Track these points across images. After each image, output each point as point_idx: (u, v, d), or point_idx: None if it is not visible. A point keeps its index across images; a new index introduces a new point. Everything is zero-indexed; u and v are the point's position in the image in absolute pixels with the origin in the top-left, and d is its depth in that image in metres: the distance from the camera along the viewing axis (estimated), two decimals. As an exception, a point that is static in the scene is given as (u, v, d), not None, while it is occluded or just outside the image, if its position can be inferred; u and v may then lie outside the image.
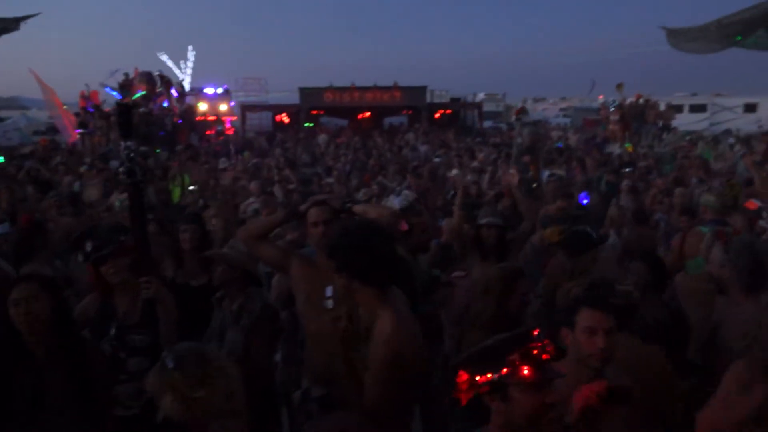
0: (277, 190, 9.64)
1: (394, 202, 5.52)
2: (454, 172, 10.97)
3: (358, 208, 3.34)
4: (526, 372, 1.72)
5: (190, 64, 39.29)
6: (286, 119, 34.42)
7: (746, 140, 17.51)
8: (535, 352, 1.76)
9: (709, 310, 3.59)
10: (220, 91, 32.48)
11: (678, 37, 15.84)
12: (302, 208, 3.37)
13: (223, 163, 13.68)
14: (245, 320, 3.70)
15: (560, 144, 18.03)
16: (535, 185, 8.55)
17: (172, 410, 1.99)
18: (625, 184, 8.62)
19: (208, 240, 4.91)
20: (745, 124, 28.34)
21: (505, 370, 1.74)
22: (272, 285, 4.82)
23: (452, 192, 8.65)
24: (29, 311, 2.85)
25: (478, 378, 1.77)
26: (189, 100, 28.90)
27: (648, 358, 2.74)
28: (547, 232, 5.10)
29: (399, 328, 2.46)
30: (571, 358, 2.40)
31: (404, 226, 4.50)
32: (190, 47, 39.97)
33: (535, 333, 1.80)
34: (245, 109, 34.15)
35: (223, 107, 31.79)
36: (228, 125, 30.39)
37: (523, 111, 13.89)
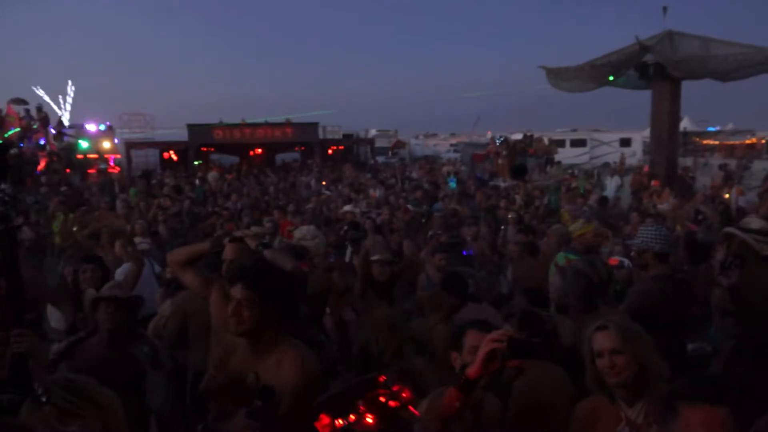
0: (162, 230, 9.31)
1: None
2: (347, 207, 11.01)
3: (268, 254, 3.46)
4: (369, 420, 1.73)
5: (69, 99, 37.45)
6: (174, 156, 33.40)
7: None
8: (382, 399, 1.76)
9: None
10: (102, 127, 31.00)
11: (556, 77, 16.96)
12: (226, 241, 3.49)
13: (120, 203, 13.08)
14: (165, 362, 3.55)
15: (453, 179, 18.59)
16: (424, 220, 8.75)
17: None
18: (511, 216, 8.98)
19: (109, 280, 4.68)
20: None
21: (352, 417, 1.75)
22: (156, 325, 4.60)
23: (345, 227, 8.68)
24: None
25: (337, 423, 1.76)
26: (68, 137, 27.42)
27: (556, 379, 2.83)
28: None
29: (307, 356, 2.58)
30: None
31: (305, 266, 4.52)
32: (69, 82, 38.17)
33: (382, 380, 1.79)
34: (130, 146, 32.81)
35: (106, 144, 30.30)
36: (111, 163, 29.01)
37: (398, 145, 14.21)
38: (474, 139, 42.53)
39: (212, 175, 21.85)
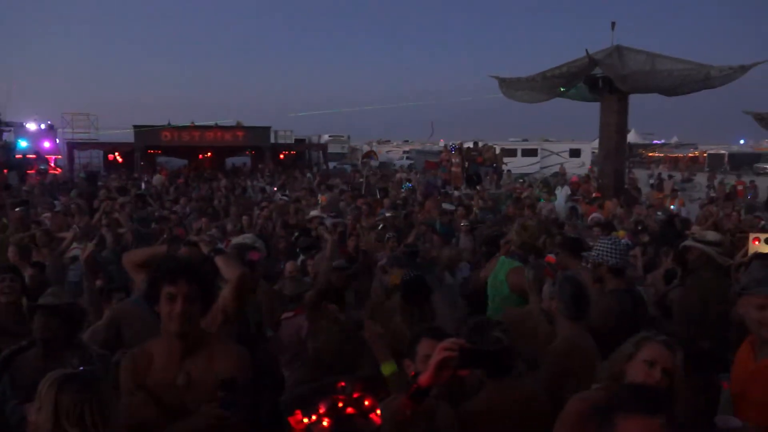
0: (106, 233, 8.94)
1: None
2: (314, 212, 10.76)
3: (219, 261, 3.40)
4: (325, 424, 1.78)
5: (8, 96, 36.09)
6: (119, 158, 32.53)
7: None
8: (340, 405, 1.80)
9: (533, 341, 3.77)
10: (43, 126, 30.00)
11: (509, 87, 17.16)
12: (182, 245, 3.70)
13: (58, 205, 12.52)
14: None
15: (410, 185, 18.62)
16: (381, 227, 8.66)
17: None
18: (463, 224, 8.99)
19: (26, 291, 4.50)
20: (571, 167, 31.30)
21: (314, 417, 1.80)
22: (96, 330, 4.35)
23: (296, 234, 8.49)
24: None
25: (305, 420, 1.82)
26: (6, 135, 26.40)
27: (526, 400, 2.78)
28: (392, 276, 5.15)
29: (236, 347, 2.68)
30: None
31: (255, 255, 4.55)
32: (8, 77, 36.78)
33: (340, 385, 1.86)
34: (73, 146, 31.81)
35: (47, 144, 29.32)
36: (52, 164, 28.03)
37: (369, 155, 14.18)
38: (427, 147, 42.95)
39: (157, 179, 21.32)
